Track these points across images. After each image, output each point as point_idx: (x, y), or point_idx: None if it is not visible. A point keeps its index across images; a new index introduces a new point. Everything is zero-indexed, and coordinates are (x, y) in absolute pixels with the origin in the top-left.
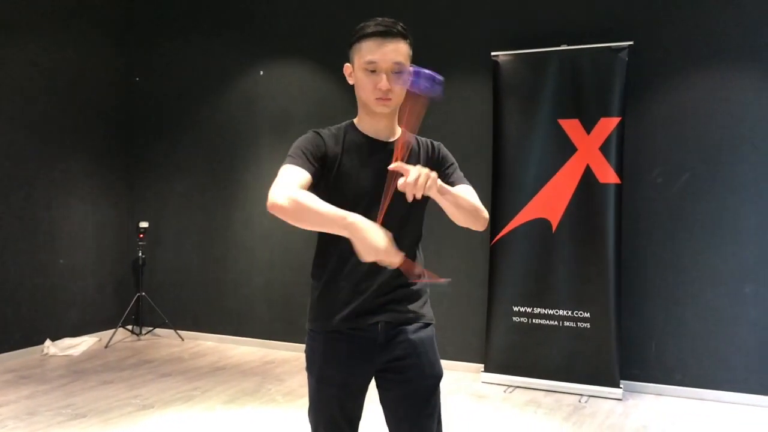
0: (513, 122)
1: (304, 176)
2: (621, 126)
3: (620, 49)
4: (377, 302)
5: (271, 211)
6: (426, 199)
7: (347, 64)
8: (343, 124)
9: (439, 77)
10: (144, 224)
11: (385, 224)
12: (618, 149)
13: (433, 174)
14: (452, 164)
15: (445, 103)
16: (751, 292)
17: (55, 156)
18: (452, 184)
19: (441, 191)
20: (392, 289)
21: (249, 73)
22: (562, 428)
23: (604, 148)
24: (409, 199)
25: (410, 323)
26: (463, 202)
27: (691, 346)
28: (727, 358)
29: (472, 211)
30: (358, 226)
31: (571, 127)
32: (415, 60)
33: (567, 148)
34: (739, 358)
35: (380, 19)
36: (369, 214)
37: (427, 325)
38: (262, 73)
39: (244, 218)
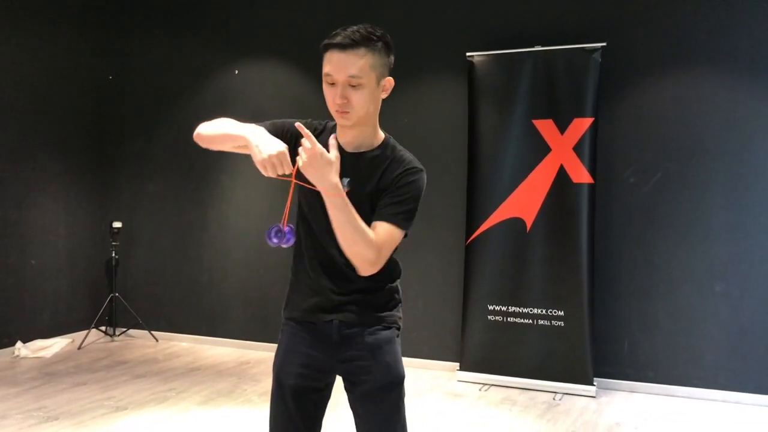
0: (488, 122)
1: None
2: (594, 126)
3: (593, 50)
4: (336, 300)
5: (195, 140)
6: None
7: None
8: (331, 123)
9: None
10: (117, 224)
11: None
12: (591, 149)
13: (330, 157)
14: (397, 196)
15: (420, 104)
16: (721, 291)
17: (26, 154)
18: (378, 215)
19: (336, 200)
20: (351, 291)
21: (224, 72)
22: (536, 425)
23: (577, 148)
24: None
25: (368, 325)
26: (351, 225)
27: (662, 343)
28: (698, 355)
29: (355, 240)
30: (251, 139)
31: (545, 127)
32: (395, 59)
33: (541, 148)
34: (710, 356)
35: (353, 28)
36: (322, 215)
37: (388, 327)
38: (237, 72)
39: (219, 218)
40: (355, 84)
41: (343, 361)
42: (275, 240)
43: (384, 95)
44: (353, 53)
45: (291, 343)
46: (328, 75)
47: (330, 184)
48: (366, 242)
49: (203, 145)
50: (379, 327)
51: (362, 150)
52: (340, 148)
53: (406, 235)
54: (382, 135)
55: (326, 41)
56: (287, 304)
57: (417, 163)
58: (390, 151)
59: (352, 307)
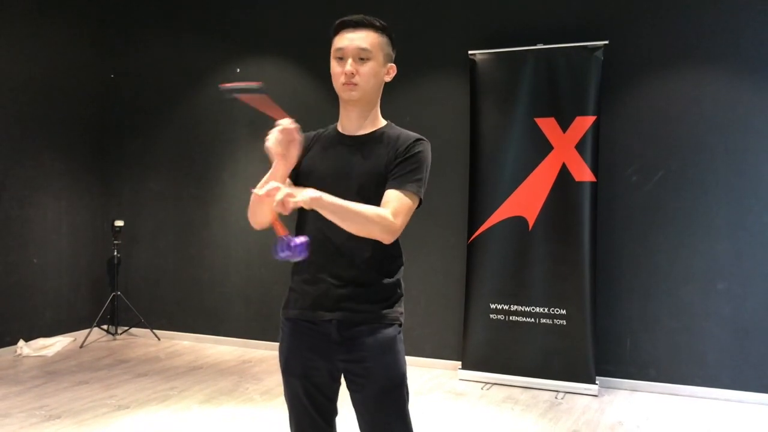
0: (490, 120)
1: None
2: (596, 124)
3: (595, 49)
4: (333, 294)
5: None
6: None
7: None
8: (332, 125)
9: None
10: (119, 223)
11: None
12: (593, 147)
13: (286, 191)
14: (407, 166)
15: (422, 102)
16: (723, 289)
17: (27, 153)
18: (390, 185)
19: (319, 206)
20: (347, 282)
21: (225, 70)
22: (538, 424)
23: (579, 147)
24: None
25: (367, 323)
26: (349, 215)
27: (665, 342)
28: (700, 354)
29: (363, 224)
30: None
31: (548, 125)
32: (396, 56)
33: (543, 147)
34: (712, 354)
35: (362, 15)
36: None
37: (390, 324)
38: (238, 70)
39: (221, 216)
40: (364, 57)
41: (344, 362)
42: (284, 254)
43: (387, 78)
44: (364, 31)
45: (292, 343)
46: (339, 50)
47: (308, 198)
48: (374, 218)
49: (256, 221)
50: (380, 325)
51: (366, 131)
52: (343, 135)
53: (420, 203)
54: (383, 120)
55: (339, 21)
56: (284, 303)
57: (421, 136)
58: (394, 129)
59: (350, 303)
